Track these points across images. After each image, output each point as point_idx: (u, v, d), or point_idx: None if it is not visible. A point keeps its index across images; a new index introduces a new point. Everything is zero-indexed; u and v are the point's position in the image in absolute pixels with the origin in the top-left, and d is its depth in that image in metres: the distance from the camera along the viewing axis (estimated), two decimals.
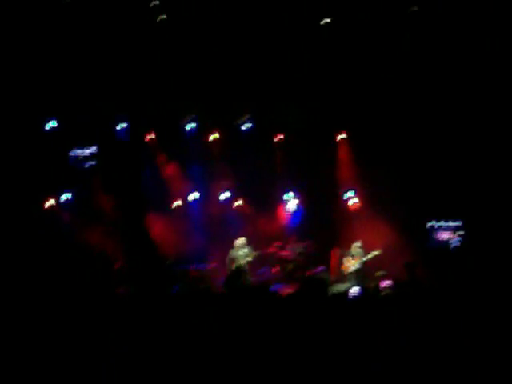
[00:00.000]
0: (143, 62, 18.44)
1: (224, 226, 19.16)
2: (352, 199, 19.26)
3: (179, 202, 19.52)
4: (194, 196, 19.39)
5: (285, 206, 19.76)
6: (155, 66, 18.51)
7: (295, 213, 19.68)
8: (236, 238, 17.70)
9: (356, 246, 17.53)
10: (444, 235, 18.57)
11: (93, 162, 18.85)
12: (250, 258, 17.45)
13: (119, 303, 8.77)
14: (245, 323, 7.68)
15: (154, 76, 18.49)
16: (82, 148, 18.88)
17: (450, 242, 18.49)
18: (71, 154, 18.84)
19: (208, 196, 19.60)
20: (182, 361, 7.24)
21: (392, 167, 18.42)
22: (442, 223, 18.60)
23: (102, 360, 7.25)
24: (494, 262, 15.60)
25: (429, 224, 18.67)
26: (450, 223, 18.53)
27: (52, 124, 18.89)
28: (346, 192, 19.30)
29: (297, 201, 19.56)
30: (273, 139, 19.64)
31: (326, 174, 19.32)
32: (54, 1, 18.17)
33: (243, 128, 19.48)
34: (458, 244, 18.41)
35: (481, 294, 8.58)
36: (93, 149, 18.89)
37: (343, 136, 19.66)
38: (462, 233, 18.40)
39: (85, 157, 18.87)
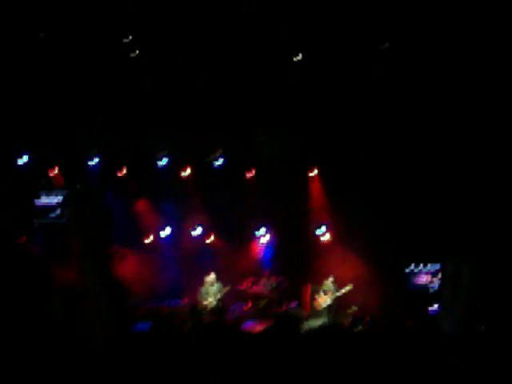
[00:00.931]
0: (116, 96, 18.41)
1: (196, 262, 19.05)
2: (324, 234, 19.26)
3: (151, 238, 19.44)
4: (166, 232, 19.32)
5: (257, 241, 19.74)
6: (127, 101, 18.47)
7: (267, 248, 19.66)
8: (207, 274, 17.61)
9: (328, 282, 17.52)
10: (423, 279, 18.44)
11: (57, 212, 18.70)
12: (220, 295, 17.36)
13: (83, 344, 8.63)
14: (217, 361, 7.60)
15: (126, 111, 18.45)
16: (50, 195, 18.77)
17: (429, 285, 18.36)
18: (38, 202, 18.76)
19: (180, 232, 19.55)
20: None
21: (364, 203, 18.39)
22: (421, 267, 18.46)
23: None
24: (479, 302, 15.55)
25: (408, 268, 18.51)
26: (429, 267, 18.40)
27: (24, 159, 18.83)
28: (319, 227, 19.30)
29: (268, 236, 19.54)
30: (245, 175, 19.64)
31: (299, 210, 19.32)
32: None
33: (215, 164, 19.44)
34: (436, 288, 18.26)
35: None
36: (59, 198, 18.73)
37: (315, 172, 19.70)
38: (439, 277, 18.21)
39: (51, 206, 18.75)
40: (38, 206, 18.85)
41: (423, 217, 18.02)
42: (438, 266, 18.35)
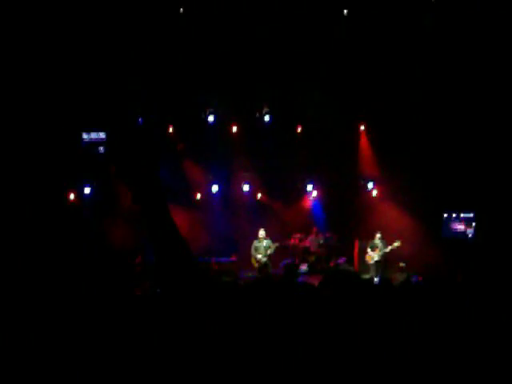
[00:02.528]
0: (162, 54, 18.39)
1: (245, 219, 19.17)
2: (372, 190, 19.27)
3: (199, 196, 19.56)
4: (214, 188, 19.40)
5: (305, 197, 19.79)
6: (173, 59, 18.46)
7: (315, 205, 19.70)
8: (257, 231, 17.68)
9: (376, 238, 17.56)
10: (459, 226, 18.59)
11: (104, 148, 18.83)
12: (270, 251, 17.46)
13: (138, 302, 8.76)
14: (270, 315, 7.69)
15: (173, 68, 18.44)
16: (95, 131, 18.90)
17: (466, 232, 18.52)
18: (84, 138, 18.85)
19: (229, 189, 19.63)
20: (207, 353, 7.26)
21: (411, 158, 18.40)
22: (457, 214, 18.64)
23: (118, 360, 7.27)
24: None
25: (445, 215, 18.70)
26: (464, 214, 18.57)
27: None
28: (367, 183, 19.31)
29: (316, 192, 19.57)
30: (293, 131, 19.62)
31: (347, 165, 19.31)
32: None
33: (264, 119, 19.42)
34: (473, 235, 18.44)
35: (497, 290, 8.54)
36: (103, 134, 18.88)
37: (363, 127, 19.66)
38: (474, 224, 18.43)
39: (98, 142, 18.88)
40: (84, 141, 19.01)
41: (457, 170, 18.20)
42: (471, 215, 18.54)
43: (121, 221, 18.16)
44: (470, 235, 18.50)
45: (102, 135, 18.88)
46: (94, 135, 18.93)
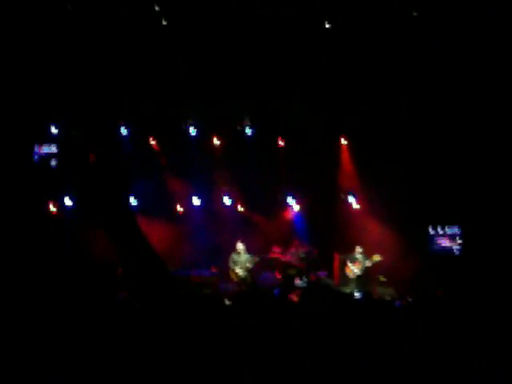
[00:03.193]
0: (143, 65, 18.35)
1: (225, 232, 19.11)
2: (353, 203, 19.25)
3: (180, 208, 19.51)
4: (195, 201, 19.35)
5: (286, 211, 19.75)
6: (155, 70, 18.42)
7: (296, 218, 19.66)
8: (236, 244, 17.63)
9: (357, 252, 17.54)
10: (444, 242, 18.60)
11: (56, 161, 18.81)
12: (249, 265, 17.40)
13: (119, 308, 8.70)
14: (251, 328, 7.65)
15: (155, 80, 18.40)
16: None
17: (452, 248, 18.53)
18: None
19: (209, 201, 19.58)
20: (184, 367, 7.21)
21: (394, 171, 18.42)
22: (442, 230, 18.66)
23: (100, 365, 7.22)
24: (495, 268, 15.63)
25: (430, 230, 18.70)
26: (450, 230, 18.59)
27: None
28: (348, 196, 19.30)
29: (297, 206, 19.55)
30: (274, 143, 19.60)
31: (328, 179, 19.29)
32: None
33: (245, 132, 19.41)
34: (459, 251, 18.46)
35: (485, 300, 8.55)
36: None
37: (344, 141, 19.66)
38: (461, 240, 18.46)
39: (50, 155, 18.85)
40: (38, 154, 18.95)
41: (442, 184, 18.21)
42: (455, 230, 18.57)
43: (102, 232, 18.06)
44: (455, 251, 18.48)
45: (53, 149, 18.84)
46: (45, 149, 18.87)
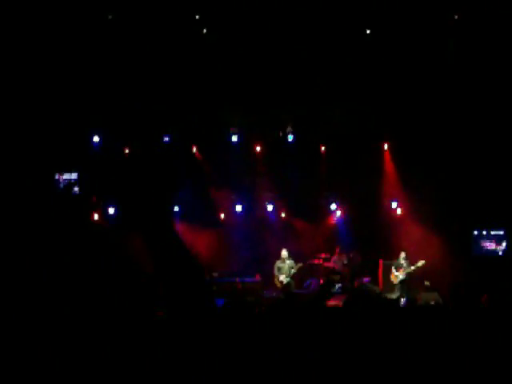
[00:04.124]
0: (185, 73, 18.48)
1: (269, 239, 19.15)
2: (396, 209, 19.18)
3: (223, 215, 19.61)
4: (238, 208, 19.44)
5: (329, 217, 19.74)
6: (197, 78, 18.54)
7: (339, 224, 19.64)
8: (280, 251, 17.64)
9: (401, 258, 17.44)
10: (489, 244, 18.53)
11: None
12: (294, 270, 17.42)
13: (159, 325, 8.76)
14: (291, 335, 7.67)
15: (196, 88, 18.52)
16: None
17: (496, 250, 18.45)
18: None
19: (252, 208, 19.65)
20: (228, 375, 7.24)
21: (437, 175, 18.35)
22: (487, 232, 18.59)
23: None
24: None
25: (475, 233, 18.63)
26: (494, 232, 18.50)
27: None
28: (391, 202, 19.23)
29: (340, 212, 19.53)
30: (317, 150, 19.62)
31: (371, 184, 19.24)
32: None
33: (287, 139, 19.46)
34: (503, 253, 18.37)
35: None
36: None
37: (386, 146, 19.61)
38: (506, 243, 18.37)
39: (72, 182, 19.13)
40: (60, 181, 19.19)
41: (486, 187, 18.15)
42: (501, 232, 18.44)
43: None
44: (500, 253, 18.42)
45: (73, 176, 19.06)
46: (66, 176, 19.09)
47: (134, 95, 18.39)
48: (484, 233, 18.65)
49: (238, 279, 18.06)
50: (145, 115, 18.76)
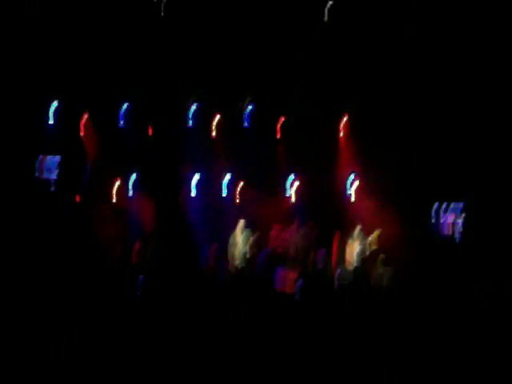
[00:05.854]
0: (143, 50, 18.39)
1: (225, 210, 19.16)
2: (353, 182, 19.25)
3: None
4: (195, 179, 19.42)
5: (286, 189, 19.75)
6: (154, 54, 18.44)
7: (296, 196, 19.67)
8: (236, 222, 17.66)
9: (357, 229, 17.55)
10: (449, 218, 18.57)
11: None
12: (249, 243, 17.46)
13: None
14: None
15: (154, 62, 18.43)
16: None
17: (456, 223, 18.50)
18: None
19: (210, 180, 19.61)
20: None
21: (396, 149, 18.43)
22: (446, 205, 18.64)
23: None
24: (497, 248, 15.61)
25: (434, 206, 18.69)
26: (454, 205, 18.57)
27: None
28: (348, 175, 19.30)
29: (297, 184, 19.56)
30: (275, 122, 19.58)
31: (328, 157, 19.27)
32: None
33: (246, 111, 19.39)
34: (462, 227, 18.42)
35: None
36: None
37: (345, 118, 19.62)
38: (465, 215, 18.44)
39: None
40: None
41: (445, 159, 18.17)
42: (460, 205, 18.50)
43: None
44: (458, 229, 18.42)
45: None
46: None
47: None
48: (443, 206, 18.69)
49: None
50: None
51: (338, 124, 19.59)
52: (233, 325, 7.26)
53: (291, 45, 18.23)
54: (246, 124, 19.50)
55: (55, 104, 18.70)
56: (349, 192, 19.17)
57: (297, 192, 19.62)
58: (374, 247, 17.61)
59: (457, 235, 18.26)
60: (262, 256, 18.39)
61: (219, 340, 7.22)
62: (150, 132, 19.46)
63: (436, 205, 18.73)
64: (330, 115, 19.35)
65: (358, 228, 17.56)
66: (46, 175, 18.53)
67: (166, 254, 17.74)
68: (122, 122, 19.27)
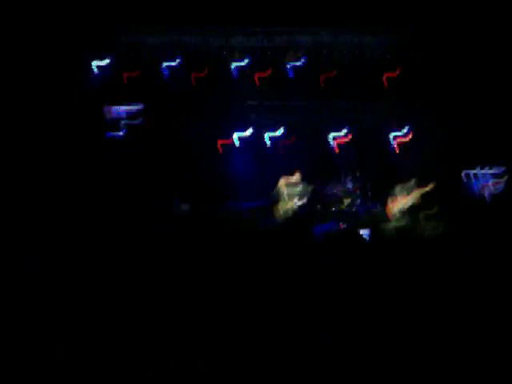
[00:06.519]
0: None
1: (276, 163, 19.10)
2: (404, 137, 19.18)
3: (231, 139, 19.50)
4: (247, 133, 19.41)
5: (335, 142, 19.67)
6: None
7: (347, 149, 19.60)
8: (291, 175, 17.57)
9: (410, 182, 17.43)
10: (484, 183, 18.34)
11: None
12: (306, 196, 17.41)
13: None
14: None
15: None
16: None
17: (491, 189, 18.28)
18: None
19: (260, 133, 19.55)
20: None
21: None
22: (481, 171, 18.40)
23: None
24: None
25: (465, 172, 18.49)
26: (490, 170, 18.35)
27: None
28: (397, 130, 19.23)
29: (348, 136, 19.49)
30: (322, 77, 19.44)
31: (378, 110, 19.13)
32: None
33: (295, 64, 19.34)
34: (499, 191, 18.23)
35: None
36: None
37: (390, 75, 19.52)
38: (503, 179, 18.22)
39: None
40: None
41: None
42: (502, 169, 18.30)
43: None
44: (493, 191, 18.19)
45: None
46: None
47: None
48: (477, 172, 18.40)
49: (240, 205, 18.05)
50: None
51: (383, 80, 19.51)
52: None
53: None
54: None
55: None
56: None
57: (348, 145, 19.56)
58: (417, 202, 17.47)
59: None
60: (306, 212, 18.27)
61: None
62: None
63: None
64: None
65: (410, 182, 17.41)
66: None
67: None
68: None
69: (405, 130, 19.22)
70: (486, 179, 18.17)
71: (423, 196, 17.16)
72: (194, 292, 7.35)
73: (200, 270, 7.75)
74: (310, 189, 17.46)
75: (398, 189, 17.45)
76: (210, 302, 7.21)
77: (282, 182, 17.44)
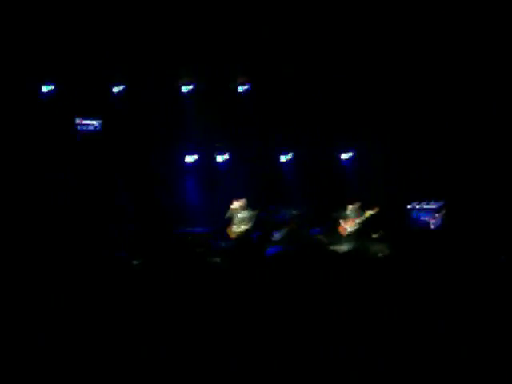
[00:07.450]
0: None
1: (221, 188, 19.17)
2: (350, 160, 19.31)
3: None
4: (191, 158, 19.45)
5: (281, 167, 19.77)
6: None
7: (290, 174, 19.68)
8: (237, 201, 17.59)
9: (353, 207, 17.54)
10: (425, 217, 18.40)
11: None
12: (252, 222, 17.44)
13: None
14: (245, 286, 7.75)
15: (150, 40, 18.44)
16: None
17: (431, 222, 18.34)
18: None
19: (205, 158, 19.66)
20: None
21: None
22: (423, 204, 18.47)
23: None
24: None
25: (409, 205, 18.56)
26: (431, 205, 18.42)
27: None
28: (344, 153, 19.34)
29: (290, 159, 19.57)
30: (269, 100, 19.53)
31: (322, 135, 19.25)
32: None
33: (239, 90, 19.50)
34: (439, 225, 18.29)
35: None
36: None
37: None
38: (442, 214, 18.26)
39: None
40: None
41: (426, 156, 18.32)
42: (440, 204, 18.33)
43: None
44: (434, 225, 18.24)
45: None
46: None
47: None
48: (419, 206, 18.47)
49: (187, 230, 18.03)
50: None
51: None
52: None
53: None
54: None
55: None
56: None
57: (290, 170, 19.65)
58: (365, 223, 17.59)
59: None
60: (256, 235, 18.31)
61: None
62: None
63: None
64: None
65: (355, 205, 17.52)
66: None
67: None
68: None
69: (350, 154, 19.33)
70: (426, 212, 18.25)
71: (368, 220, 17.32)
72: (148, 315, 7.40)
73: (152, 296, 7.80)
74: (256, 213, 17.53)
75: (343, 212, 17.60)
76: (164, 326, 7.27)
77: (233, 205, 17.50)
